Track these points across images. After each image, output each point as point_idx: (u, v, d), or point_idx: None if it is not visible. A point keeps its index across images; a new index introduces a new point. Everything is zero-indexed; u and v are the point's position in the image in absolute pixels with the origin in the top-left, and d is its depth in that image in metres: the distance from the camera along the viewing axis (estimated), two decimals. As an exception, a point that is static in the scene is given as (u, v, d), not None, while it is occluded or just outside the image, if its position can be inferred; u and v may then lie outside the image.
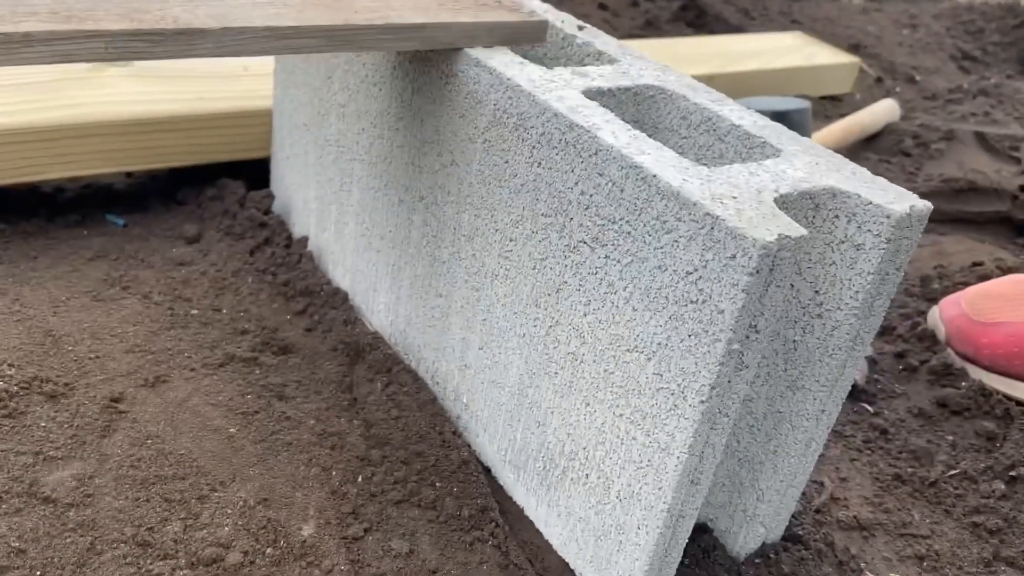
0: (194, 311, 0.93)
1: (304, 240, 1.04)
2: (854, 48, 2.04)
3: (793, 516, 0.79)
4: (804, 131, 1.23)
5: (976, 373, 1.04)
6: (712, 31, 2.00)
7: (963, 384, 1.01)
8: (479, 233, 0.74)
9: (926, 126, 1.67)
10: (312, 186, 0.99)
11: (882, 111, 1.64)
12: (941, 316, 1.08)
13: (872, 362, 1.05)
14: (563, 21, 0.82)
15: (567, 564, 0.73)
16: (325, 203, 0.97)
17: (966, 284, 1.17)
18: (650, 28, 1.95)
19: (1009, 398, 1.01)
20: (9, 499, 0.68)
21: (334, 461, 0.78)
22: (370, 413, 0.83)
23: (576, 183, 0.63)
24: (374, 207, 0.88)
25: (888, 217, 0.59)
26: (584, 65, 0.77)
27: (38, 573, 0.64)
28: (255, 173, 1.14)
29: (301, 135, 0.99)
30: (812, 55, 1.78)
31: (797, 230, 0.52)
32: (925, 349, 1.07)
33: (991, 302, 1.05)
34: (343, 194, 0.93)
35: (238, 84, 1.14)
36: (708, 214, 0.53)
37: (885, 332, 1.11)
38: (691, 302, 0.55)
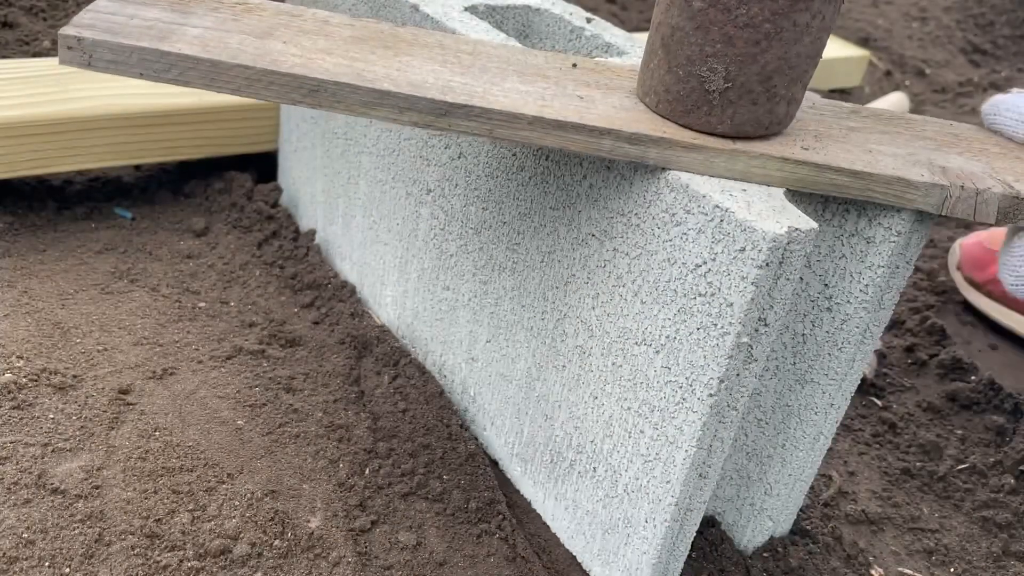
0: (202, 304, 0.93)
1: (312, 233, 1.04)
2: (863, 41, 2.03)
3: (801, 510, 0.79)
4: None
5: (976, 299, 1.13)
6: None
7: (972, 378, 1.01)
8: (487, 226, 0.74)
9: (936, 119, 1.66)
10: (319, 179, 0.99)
11: (891, 104, 1.63)
12: (960, 245, 1.16)
13: (881, 356, 1.04)
14: (571, 14, 0.82)
15: (574, 557, 0.73)
16: (332, 196, 0.97)
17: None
18: (658, 21, 1.94)
19: (999, 327, 1.11)
20: (18, 490, 0.68)
21: (341, 453, 0.78)
22: (377, 406, 0.83)
23: (584, 176, 0.63)
24: (381, 200, 0.88)
25: (899, 211, 0.59)
26: (593, 58, 0.77)
27: (46, 564, 0.64)
28: (263, 166, 1.14)
29: (309, 128, 0.99)
30: (821, 48, 1.77)
31: (807, 223, 0.52)
32: (934, 343, 1.07)
33: None
34: (350, 187, 0.93)
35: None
36: (717, 206, 0.53)
37: (894, 326, 1.10)
38: (700, 295, 0.55)
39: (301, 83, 0.55)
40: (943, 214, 0.58)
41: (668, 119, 0.58)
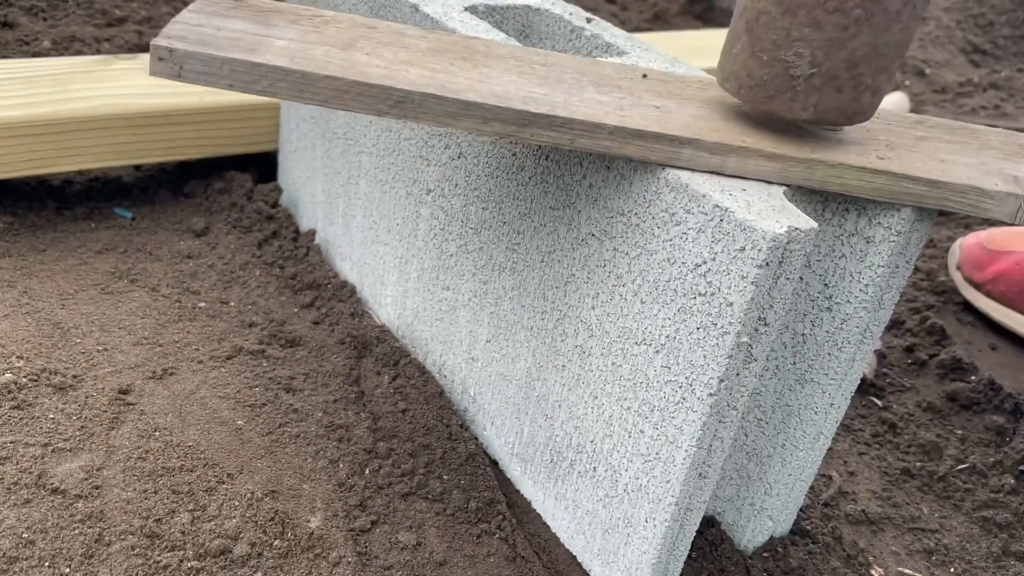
0: (202, 304, 0.93)
1: (311, 233, 1.04)
2: (863, 41, 2.02)
3: (801, 510, 0.79)
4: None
5: (976, 299, 1.14)
6: (720, 24, 1.99)
7: (972, 378, 1.01)
8: (487, 226, 0.74)
9: (936, 120, 1.66)
10: (319, 179, 0.99)
11: (891, 104, 1.63)
12: (960, 245, 1.18)
13: (881, 356, 1.04)
14: (571, 14, 0.82)
15: (574, 557, 0.73)
16: (332, 196, 0.97)
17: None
18: (658, 21, 1.95)
19: (999, 327, 1.12)
20: (18, 490, 0.68)
21: (341, 453, 0.78)
22: (377, 406, 0.83)
23: (584, 176, 0.63)
24: (381, 200, 0.88)
25: (899, 210, 0.59)
26: (594, 56, 0.77)
27: (47, 564, 0.64)
28: (263, 166, 1.14)
29: (309, 128, 0.99)
30: (821, 48, 1.77)
31: (807, 222, 0.52)
32: (934, 343, 1.07)
33: (1008, 235, 1.14)
34: (350, 187, 0.93)
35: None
36: (717, 206, 0.53)
37: (894, 326, 1.10)
38: (700, 295, 0.55)
39: (389, 94, 0.56)
40: (1016, 223, 0.58)
41: (749, 104, 0.58)
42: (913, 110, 1.70)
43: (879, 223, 0.60)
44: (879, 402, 0.98)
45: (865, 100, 0.57)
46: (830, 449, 0.90)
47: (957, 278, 1.16)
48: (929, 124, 0.65)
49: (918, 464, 0.90)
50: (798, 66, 0.55)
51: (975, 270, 1.13)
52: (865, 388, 0.99)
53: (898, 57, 0.56)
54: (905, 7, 0.54)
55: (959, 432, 0.95)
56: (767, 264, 0.51)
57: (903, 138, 0.62)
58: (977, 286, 1.13)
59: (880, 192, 0.58)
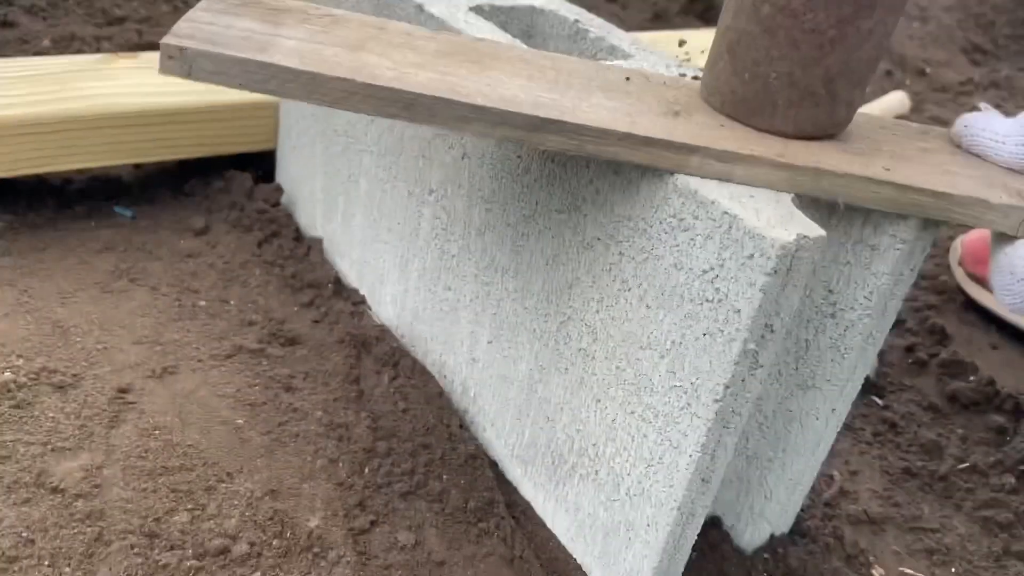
0: (202, 303, 0.93)
1: (311, 232, 1.03)
2: (863, 40, 2.02)
3: (802, 509, 0.79)
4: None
5: (979, 295, 1.14)
6: (721, 22, 1.99)
7: (973, 378, 1.01)
8: (490, 227, 0.74)
9: (936, 119, 1.66)
10: (319, 177, 0.99)
11: (892, 104, 1.63)
12: (962, 241, 1.18)
13: (882, 356, 1.04)
14: (575, 16, 0.81)
15: (574, 559, 0.73)
16: (332, 195, 0.97)
17: (976, 279, 1.18)
18: (659, 21, 1.94)
19: (1000, 326, 1.12)
20: (18, 489, 0.68)
21: (341, 453, 0.78)
22: (377, 405, 0.83)
23: (591, 180, 0.63)
24: (382, 199, 0.88)
25: (905, 219, 0.59)
26: (597, 60, 0.77)
27: (46, 563, 0.64)
28: (263, 165, 1.13)
29: (308, 126, 0.99)
30: (821, 47, 1.76)
31: (815, 230, 0.52)
32: (935, 343, 1.07)
33: None
34: (351, 185, 0.93)
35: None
36: (726, 212, 0.53)
37: (895, 325, 1.10)
38: (707, 301, 0.55)
39: (399, 97, 0.55)
40: (1019, 235, 0.58)
41: (736, 120, 0.59)
42: (913, 109, 1.70)
43: (884, 231, 0.60)
44: (880, 401, 0.98)
45: (840, 113, 0.59)
46: (831, 448, 0.90)
47: (959, 274, 1.16)
48: (934, 135, 0.66)
49: (919, 463, 0.91)
50: (778, 83, 0.57)
51: (978, 265, 1.12)
52: (866, 388, 0.99)
53: (871, 71, 0.58)
54: (876, 27, 0.55)
55: (960, 432, 0.95)
56: (775, 272, 0.51)
57: (908, 149, 0.62)
58: (980, 281, 1.12)
59: (885, 202, 0.58)
